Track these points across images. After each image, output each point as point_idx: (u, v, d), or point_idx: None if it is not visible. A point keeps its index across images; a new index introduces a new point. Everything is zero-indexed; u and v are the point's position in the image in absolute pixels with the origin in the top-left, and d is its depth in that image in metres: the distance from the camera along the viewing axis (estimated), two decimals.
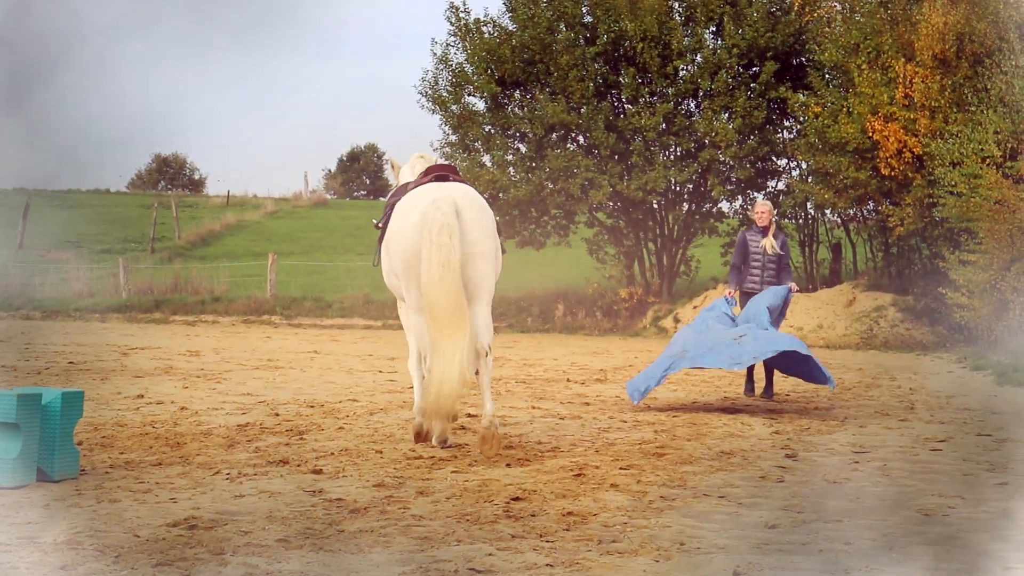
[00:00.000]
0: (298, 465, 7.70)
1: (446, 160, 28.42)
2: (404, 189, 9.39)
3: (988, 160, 18.83)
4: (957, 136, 20.22)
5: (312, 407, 11.01)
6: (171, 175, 72.00)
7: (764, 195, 28.27)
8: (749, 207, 28.43)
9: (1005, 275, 17.49)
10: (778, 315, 12.66)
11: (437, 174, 9.08)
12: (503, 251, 9.08)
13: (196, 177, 72.72)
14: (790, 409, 11.85)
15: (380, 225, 9.45)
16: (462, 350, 7.91)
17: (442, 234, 8.13)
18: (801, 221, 28.45)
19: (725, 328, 12.21)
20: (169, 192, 61.30)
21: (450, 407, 8.04)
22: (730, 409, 11.77)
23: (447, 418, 8.19)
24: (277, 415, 10.34)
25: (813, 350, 20.51)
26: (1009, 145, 18.99)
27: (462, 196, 8.53)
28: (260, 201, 53.69)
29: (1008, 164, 18.71)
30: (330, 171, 75.06)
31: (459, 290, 8.03)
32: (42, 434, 6.91)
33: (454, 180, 8.95)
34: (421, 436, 8.86)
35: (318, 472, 7.45)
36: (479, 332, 8.39)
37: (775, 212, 13.43)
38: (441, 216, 8.19)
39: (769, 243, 13.08)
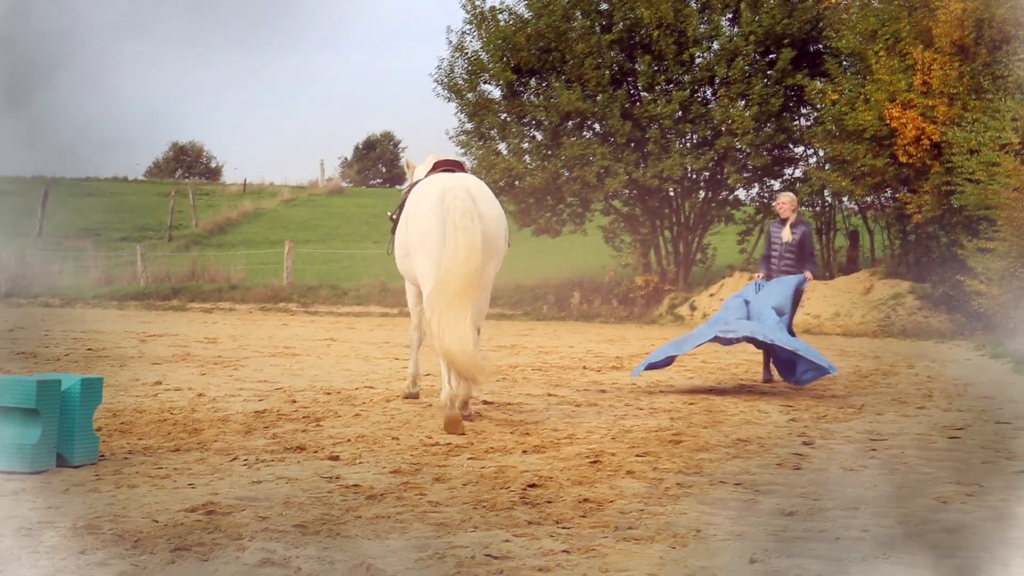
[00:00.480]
0: (315, 451, 7.72)
1: (462, 149, 28.49)
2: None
3: (1006, 147, 18.74)
4: (975, 123, 20.14)
5: (329, 394, 11.03)
6: (188, 163, 72.18)
7: (782, 184, 28.17)
8: (767, 196, 28.39)
9: None
10: (790, 310, 12.74)
11: (444, 168, 9.79)
12: (508, 244, 9.66)
13: (213, 165, 72.95)
14: (807, 396, 11.83)
15: (395, 217, 10.01)
16: (467, 323, 8.43)
17: (465, 218, 8.64)
18: (818, 209, 28.37)
19: (735, 310, 12.61)
20: (186, 180, 61.41)
21: (474, 370, 8.46)
22: (746, 396, 11.75)
23: (477, 379, 8.68)
24: (294, 402, 10.36)
25: (830, 338, 20.49)
26: None
27: (475, 187, 9.16)
28: (276, 189, 53.75)
29: None
30: (346, 159, 75.16)
31: (480, 271, 8.61)
32: (62, 420, 6.94)
33: (458, 173, 9.59)
34: (412, 396, 10.24)
35: (335, 458, 7.47)
36: (477, 315, 8.95)
37: (796, 203, 13.57)
38: (461, 203, 8.72)
39: (787, 232, 13.29)
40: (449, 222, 8.68)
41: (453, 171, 9.69)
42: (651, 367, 12.43)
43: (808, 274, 13.14)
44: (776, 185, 28.50)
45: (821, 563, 5.09)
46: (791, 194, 13.90)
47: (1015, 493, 6.79)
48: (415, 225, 9.17)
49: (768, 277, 13.27)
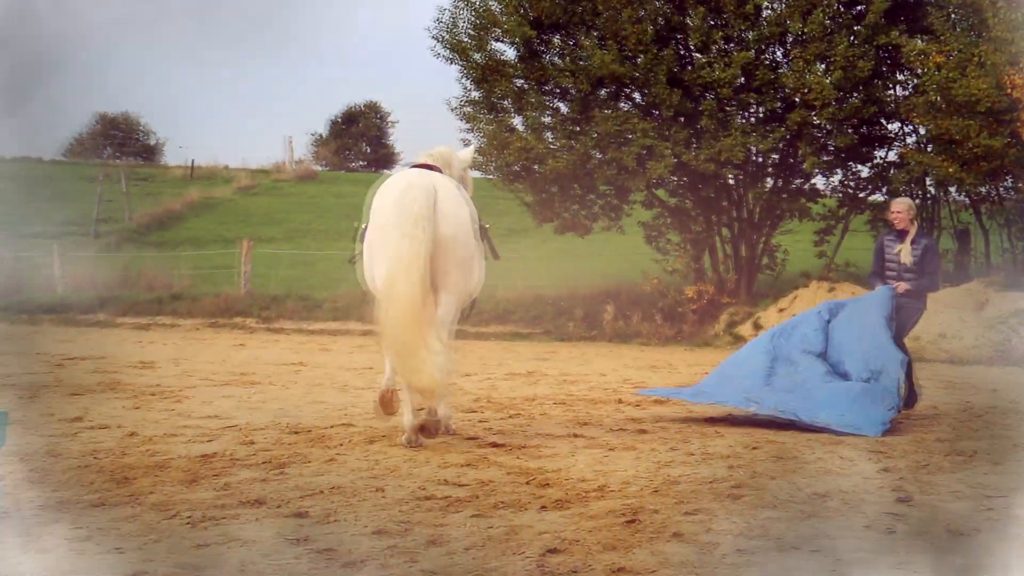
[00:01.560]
0: (278, 506, 7.71)
1: (467, 124, 28.56)
2: None
3: None
4: None
5: (296, 433, 11.02)
6: (120, 140, 72.37)
7: (872, 169, 28.11)
8: (852, 185, 28.34)
9: None
10: (891, 334, 13.32)
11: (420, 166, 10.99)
12: (495, 255, 11.23)
13: (152, 143, 73.12)
14: (902, 440, 11.79)
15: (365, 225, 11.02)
16: (426, 344, 9.62)
17: (416, 227, 9.90)
18: (918, 201, 28.34)
19: (797, 358, 13.42)
20: (118, 161, 61.58)
21: (433, 393, 9.86)
22: (826, 438, 11.71)
23: (434, 397, 10.07)
24: (252, 443, 10.36)
25: (932, 366, 20.46)
26: None
27: (440, 187, 10.34)
28: (232, 173, 53.96)
29: None
30: (320, 136, 75.32)
31: (424, 285, 9.80)
32: None
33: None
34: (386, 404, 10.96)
35: (303, 515, 7.46)
36: (440, 326, 10.16)
37: (915, 211, 13.97)
38: (417, 207, 10.00)
39: (906, 250, 13.84)
40: (398, 228, 9.94)
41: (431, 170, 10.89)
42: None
43: (901, 285, 13.70)
44: (864, 171, 28.46)
45: None
46: (908, 200, 14.41)
47: (1016, 493, 6.81)
48: (374, 222, 10.39)
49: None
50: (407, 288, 9.73)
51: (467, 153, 12.43)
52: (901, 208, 14.11)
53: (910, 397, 13.81)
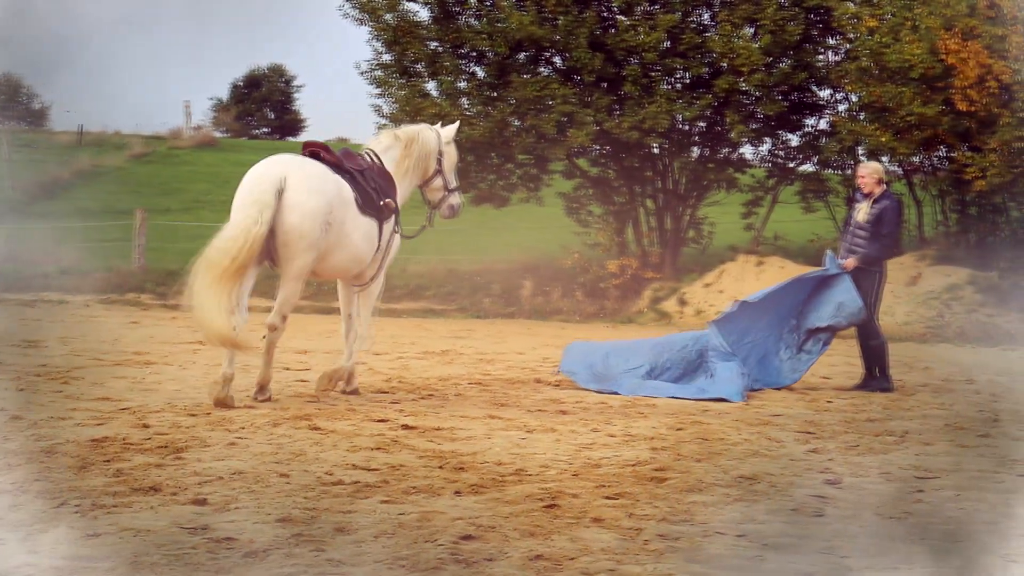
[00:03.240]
0: (174, 493, 7.66)
1: (377, 88, 28.45)
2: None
3: None
4: None
5: (194, 416, 10.94)
6: (0, 104, 71.35)
7: (802, 138, 28.31)
8: (781, 154, 28.60)
9: None
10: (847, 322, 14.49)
11: (310, 151, 12.47)
12: (403, 234, 13.08)
13: (36, 107, 72.12)
14: (832, 420, 11.90)
15: None
16: (221, 306, 11.21)
17: (254, 207, 11.42)
18: (849, 172, 28.56)
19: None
20: None
21: (223, 340, 11.41)
22: (753, 419, 11.81)
23: (226, 345, 11.55)
24: (146, 427, 10.27)
25: None
26: None
27: (297, 178, 11.70)
28: (124, 140, 53.39)
29: None
30: (220, 101, 74.67)
31: (245, 260, 11.26)
32: None
33: (325, 157, 12.32)
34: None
35: (201, 503, 7.41)
36: (278, 306, 11.99)
37: (881, 174, 14.61)
38: (259, 193, 11.52)
39: (864, 209, 14.49)
40: (241, 208, 11.52)
41: (317, 155, 12.39)
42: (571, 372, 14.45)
43: (848, 262, 14.38)
44: (794, 140, 28.70)
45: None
46: (875, 164, 15.16)
47: (1016, 494, 6.93)
48: (234, 203, 11.81)
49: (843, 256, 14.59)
50: (221, 257, 11.27)
51: (449, 129, 13.90)
52: (864, 172, 14.72)
53: (883, 382, 14.55)
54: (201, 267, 11.40)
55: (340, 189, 12.09)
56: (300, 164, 12.01)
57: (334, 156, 12.53)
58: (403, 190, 13.24)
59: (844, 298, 14.20)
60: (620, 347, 14.92)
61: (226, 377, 11.69)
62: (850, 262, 14.28)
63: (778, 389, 14.21)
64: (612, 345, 15.21)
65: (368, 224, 12.42)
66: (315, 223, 11.70)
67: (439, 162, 13.58)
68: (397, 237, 13.02)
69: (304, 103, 77.22)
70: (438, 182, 13.66)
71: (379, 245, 12.65)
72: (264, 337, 12.11)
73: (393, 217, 12.80)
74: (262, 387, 12.22)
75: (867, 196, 14.55)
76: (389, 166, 13.08)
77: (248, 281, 11.64)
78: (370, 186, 12.49)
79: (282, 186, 11.57)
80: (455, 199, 13.79)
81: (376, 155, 13.10)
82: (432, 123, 26.19)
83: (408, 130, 13.63)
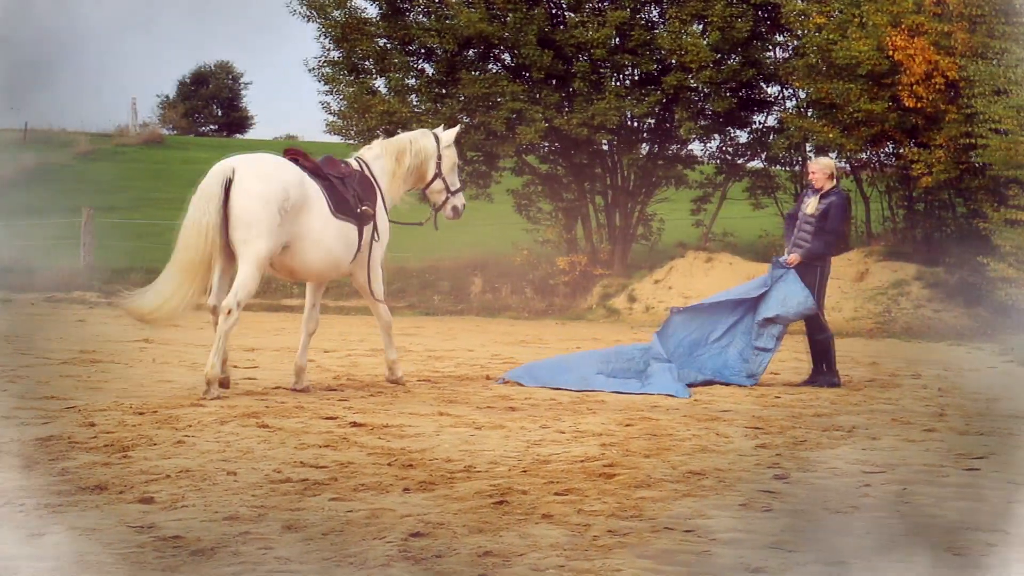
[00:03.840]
0: (120, 492, 7.62)
1: (326, 85, 28.43)
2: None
3: None
4: (1003, 56, 20.43)
5: (141, 414, 10.89)
6: None
7: (751, 135, 28.41)
8: (730, 151, 28.69)
9: None
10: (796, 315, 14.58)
11: (289, 156, 12.93)
12: (401, 222, 13.87)
13: None
14: (779, 415, 11.95)
15: None
16: (183, 291, 12.09)
17: (201, 200, 12.09)
18: (798, 168, 28.69)
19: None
20: None
21: (155, 319, 12.43)
22: (702, 415, 11.84)
23: (149, 323, 12.66)
24: (92, 425, 10.22)
25: None
26: None
27: (246, 167, 12.25)
28: (70, 137, 52.98)
29: None
30: (168, 98, 74.32)
31: (205, 251, 12.02)
32: None
33: (302, 163, 12.83)
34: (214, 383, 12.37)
35: (148, 501, 7.38)
36: (232, 289, 12.19)
37: (833, 170, 14.75)
38: (207, 187, 12.15)
39: (812, 203, 14.56)
40: (195, 203, 12.14)
41: (296, 160, 12.86)
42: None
43: (791, 257, 14.47)
44: (743, 137, 28.84)
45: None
46: (827, 160, 15.32)
47: (1016, 494, 6.99)
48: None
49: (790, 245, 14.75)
50: (181, 253, 12.21)
51: (449, 133, 14.25)
52: (816, 168, 14.80)
53: (830, 377, 14.65)
54: (170, 267, 12.25)
55: (302, 183, 12.48)
56: (253, 158, 12.55)
57: (311, 162, 13.01)
58: (392, 196, 13.83)
59: (788, 290, 14.28)
60: (568, 359, 15.01)
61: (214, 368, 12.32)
62: (793, 257, 14.37)
63: (730, 385, 14.25)
64: (560, 358, 15.31)
65: (343, 227, 12.85)
66: (266, 206, 12.06)
67: (438, 165, 14.02)
68: (381, 242, 13.51)
69: (252, 100, 76.82)
70: (438, 184, 14.11)
71: (358, 249, 13.10)
72: (215, 325, 12.42)
73: (373, 223, 13.25)
74: (209, 383, 12.25)
75: (817, 191, 14.62)
76: (380, 175, 13.60)
77: (215, 275, 12.33)
78: (349, 192, 12.99)
79: (230, 176, 12.10)
80: (458, 200, 14.28)
81: (365, 163, 13.59)
82: (380, 121, 26.32)
83: (398, 140, 14.07)
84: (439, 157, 14.02)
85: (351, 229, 12.94)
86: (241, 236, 12.08)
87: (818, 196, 14.54)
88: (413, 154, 13.86)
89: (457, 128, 14.67)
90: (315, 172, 12.84)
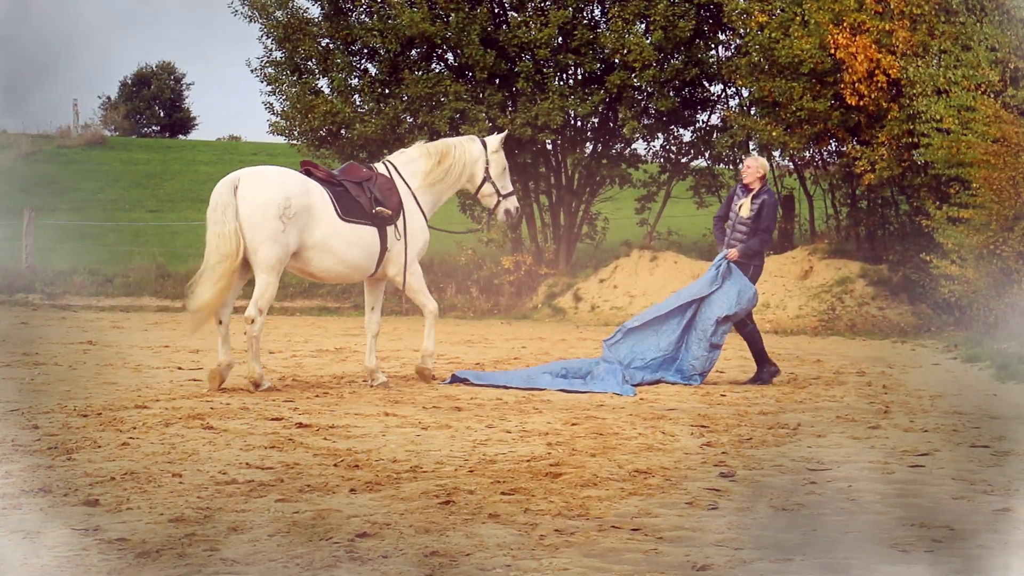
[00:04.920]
0: (64, 495, 7.58)
1: (269, 86, 28.37)
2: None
3: (984, 87, 19.19)
4: (942, 55, 20.57)
5: (85, 416, 10.85)
6: None
7: (694, 134, 28.50)
8: (674, 150, 28.77)
9: (1007, 237, 17.80)
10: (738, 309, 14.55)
11: (304, 169, 13.71)
12: (408, 231, 13.86)
13: None
14: (725, 414, 12.00)
15: None
16: (213, 296, 12.75)
17: (216, 211, 12.86)
18: (740, 166, 28.78)
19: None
20: None
21: (201, 315, 13.14)
22: (647, 414, 11.87)
23: (200, 319, 13.28)
24: (36, 428, 10.17)
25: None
26: (1011, 66, 19.31)
27: (250, 178, 13.00)
28: (11, 139, 52.49)
29: (1009, 92, 19.06)
30: (109, 99, 73.77)
31: (232, 256, 12.71)
32: None
33: (314, 173, 13.56)
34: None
35: (93, 503, 7.35)
36: (253, 298, 12.99)
37: (766, 169, 14.97)
38: (218, 196, 12.91)
39: (746, 205, 14.68)
40: (210, 216, 12.93)
41: (310, 172, 13.58)
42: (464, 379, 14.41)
43: (731, 252, 14.55)
44: (687, 136, 28.89)
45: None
46: (762, 159, 15.28)
47: (1016, 493, 7.05)
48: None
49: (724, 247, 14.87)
50: (211, 262, 12.80)
51: (495, 138, 14.74)
52: (752, 164, 14.95)
53: (768, 367, 14.85)
54: (202, 275, 12.91)
55: (307, 192, 13.10)
56: (258, 170, 13.37)
57: (323, 171, 13.77)
58: (432, 198, 14.33)
59: (741, 285, 14.37)
60: (519, 373, 14.97)
61: (222, 365, 13.11)
62: (733, 252, 14.48)
63: (675, 384, 14.33)
64: (513, 371, 15.31)
65: (357, 231, 13.43)
66: (267, 214, 12.77)
67: (487, 169, 14.53)
68: (420, 238, 14.07)
69: (195, 101, 76.46)
70: (488, 188, 14.62)
71: (383, 249, 13.63)
72: (245, 333, 13.03)
73: (396, 223, 13.76)
74: (255, 384, 12.99)
75: (748, 191, 14.77)
76: (413, 177, 14.14)
77: (240, 280, 13.22)
78: (366, 195, 13.58)
79: (236, 185, 12.88)
80: (511, 203, 14.84)
81: (394, 166, 14.15)
82: (324, 121, 26.32)
83: (442, 143, 14.71)
84: (487, 162, 14.52)
85: (368, 232, 13.52)
86: (250, 243, 12.80)
87: (750, 197, 14.67)
88: (456, 157, 14.38)
89: (504, 133, 15.26)
90: (327, 180, 13.52)
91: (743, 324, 14.78)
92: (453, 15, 26.93)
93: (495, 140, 14.76)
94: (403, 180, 14.05)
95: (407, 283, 13.97)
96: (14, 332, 20.92)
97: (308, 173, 13.59)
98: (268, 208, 12.78)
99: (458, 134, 26.25)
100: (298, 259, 13.22)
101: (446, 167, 14.30)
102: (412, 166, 14.22)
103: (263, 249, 12.80)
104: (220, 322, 13.08)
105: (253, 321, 12.86)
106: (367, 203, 13.54)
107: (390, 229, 13.72)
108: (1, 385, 13.13)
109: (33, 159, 49.05)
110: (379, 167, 14.21)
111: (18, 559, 6.08)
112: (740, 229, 14.64)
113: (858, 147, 23.68)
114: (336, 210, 13.28)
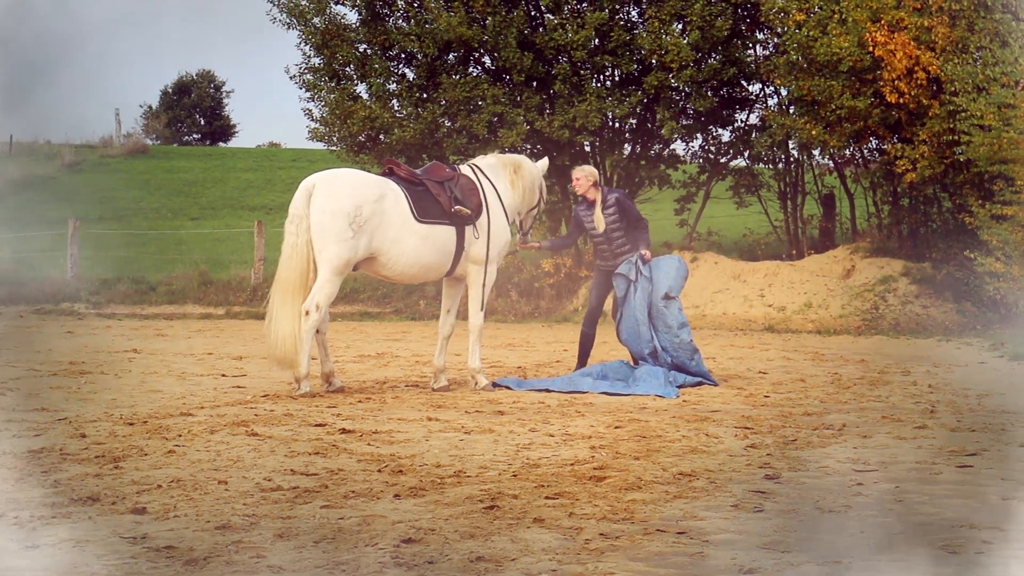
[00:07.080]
0: (113, 503, 7.61)
1: (307, 92, 28.43)
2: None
3: (1022, 84, 19.08)
4: (981, 52, 20.45)
5: (132, 424, 10.88)
6: None
7: (733, 134, 28.43)
8: (713, 150, 28.72)
9: None
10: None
11: (387, 167, 14.00)
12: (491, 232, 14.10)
13: None
14: (769, 415, 11.96)
15: None
16: (294, 316, 12.91)
17: (291, 223, 13.13)
18: (781, 166, 28.73)
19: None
20: None
21: (289, 359, 12.99)
22: (690, 416, 11.84)
23: (289, 367, 13.13)
24: (83, 436, 10.20)
25: (798, 337, 20.77)
26: None
27: (322, 184, 13.15)
28: (55, 149, 52.89)
29: None
30: (151, 108, 74.21)
31: (302, 269, 13.00)
32: None
33: (396, 172, 13.76)
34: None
35: (140, 511, 7.37)
36: (311, 293, 13.02)
37: (596, 177, 15.02)
38: (293, 209, 13.19)
39: (599, 218, 14.61)
40: (287, 225, 13.18)
41: (391, 172, 13.80)
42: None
43: (646, 252, 14.59)
44: (725, 135, 28.85)
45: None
46: (589, 167, 15.09)
47: (1012, 491, 7.00)
48: None
49: (607, 270, 15.00)
50: (283, 275, 13.08)
51: (541, 164, 14.99)
52: (580, 175, 14.81)
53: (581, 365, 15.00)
54: (274, 289, 13.16)
55: (381, 198, 13.20)
56: (332, 173, 13.47)
57: (405, 170, 13.85)
58: (516, 207, 14.59)
59: (665, 266, 14.61)
60: (560, 378, 14.72)
61: (314, 376, 13.49)
62: (647, 253, 14.56)
63: (718, 385, 14.29)
64: (549, 379, 15.04)
65: (433, 231, 13.56)
66: (334, 219, 12.93)
67: (541, 190, 14.95)
68: (501, 239, 14.29)
69: (235, 108, 76.84)
70: (534, 212, 15.04)
71: (459, 248, 13.81)
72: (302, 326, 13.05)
73: (484, 220, 13.99)
74: (327, 378, 13.55)
75: (590, 204, 14.71)
76: (497, 180, 14.32)
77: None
78: (446, 194, 13.70)
79: (311, 193, 13.11)
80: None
81: (479, 169, 14.32)
82: (363, 127, 26.40)
83: (515, 156, 15.03)
84: (542, 188, 14.88)
85: (445, 231, 13.67)
86: (317, 246, 13.02)
87: (598, 209, 14.61)
88: (527, 172, 14.57)
89: (545, 162, 15.32)
90: (408, 180, 13.68)
91: (587, 324, 15.08)
92: (490, 19, 26.96)
93: (541, 165, 14.97)
94: (489, 181, 14.20)
95: (483, 282, 14.20)
96: (60, 341, 21.02)
97: (390, 171, 13.84)
98: (335, 214, 12.96)
99: (496, 137, 26.34)
100: (372, 262, 13.36)
101: (522, 179, 14.45)
102: (493, 171, 14.38)
103: (329, 249, 12.98)
104: (318, 331, 13.24)
105: (308, 314, 12.92)
106: (447, 202, 13.66)
107: (468, 229, 13.86)
108: (49, 394, 13.19)
109: (76, 169, 49.37)
110: (463, 168, 14.32)
111: (68, 566, 6.10)
112: (613, 238, 14.63)
113: (899, 145, 23.57)
114: (412, 211, 13.39)
